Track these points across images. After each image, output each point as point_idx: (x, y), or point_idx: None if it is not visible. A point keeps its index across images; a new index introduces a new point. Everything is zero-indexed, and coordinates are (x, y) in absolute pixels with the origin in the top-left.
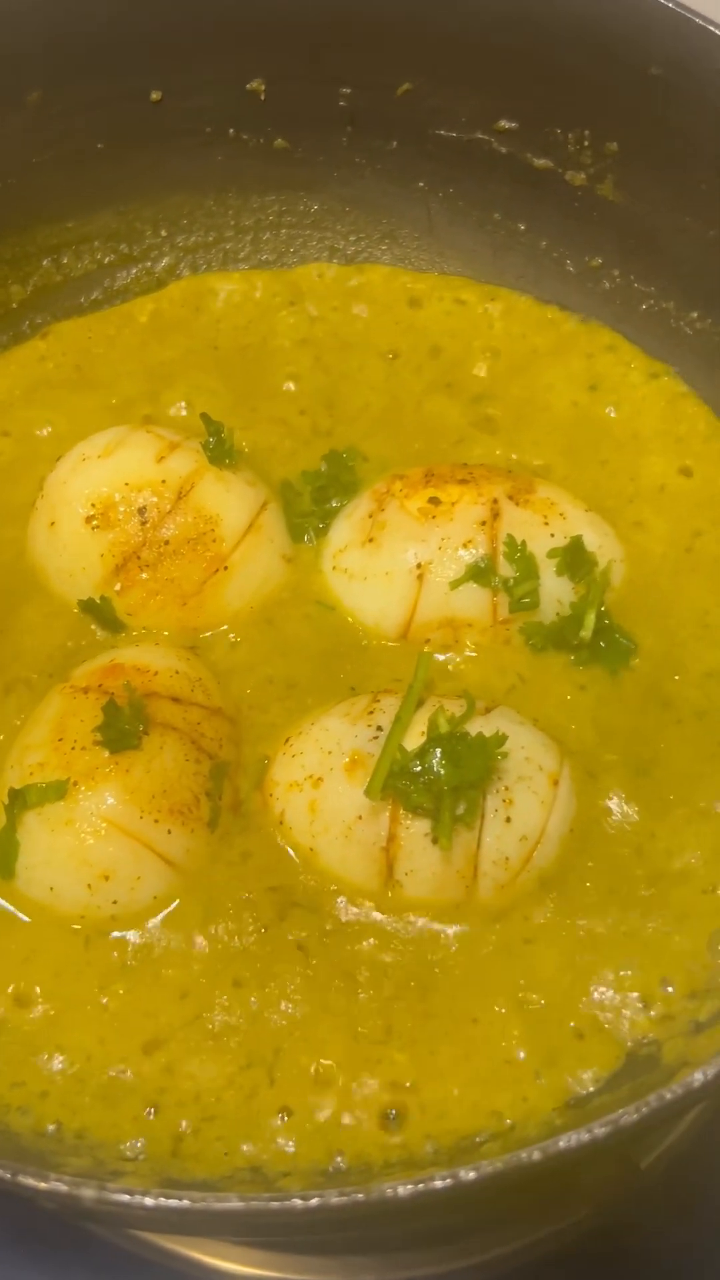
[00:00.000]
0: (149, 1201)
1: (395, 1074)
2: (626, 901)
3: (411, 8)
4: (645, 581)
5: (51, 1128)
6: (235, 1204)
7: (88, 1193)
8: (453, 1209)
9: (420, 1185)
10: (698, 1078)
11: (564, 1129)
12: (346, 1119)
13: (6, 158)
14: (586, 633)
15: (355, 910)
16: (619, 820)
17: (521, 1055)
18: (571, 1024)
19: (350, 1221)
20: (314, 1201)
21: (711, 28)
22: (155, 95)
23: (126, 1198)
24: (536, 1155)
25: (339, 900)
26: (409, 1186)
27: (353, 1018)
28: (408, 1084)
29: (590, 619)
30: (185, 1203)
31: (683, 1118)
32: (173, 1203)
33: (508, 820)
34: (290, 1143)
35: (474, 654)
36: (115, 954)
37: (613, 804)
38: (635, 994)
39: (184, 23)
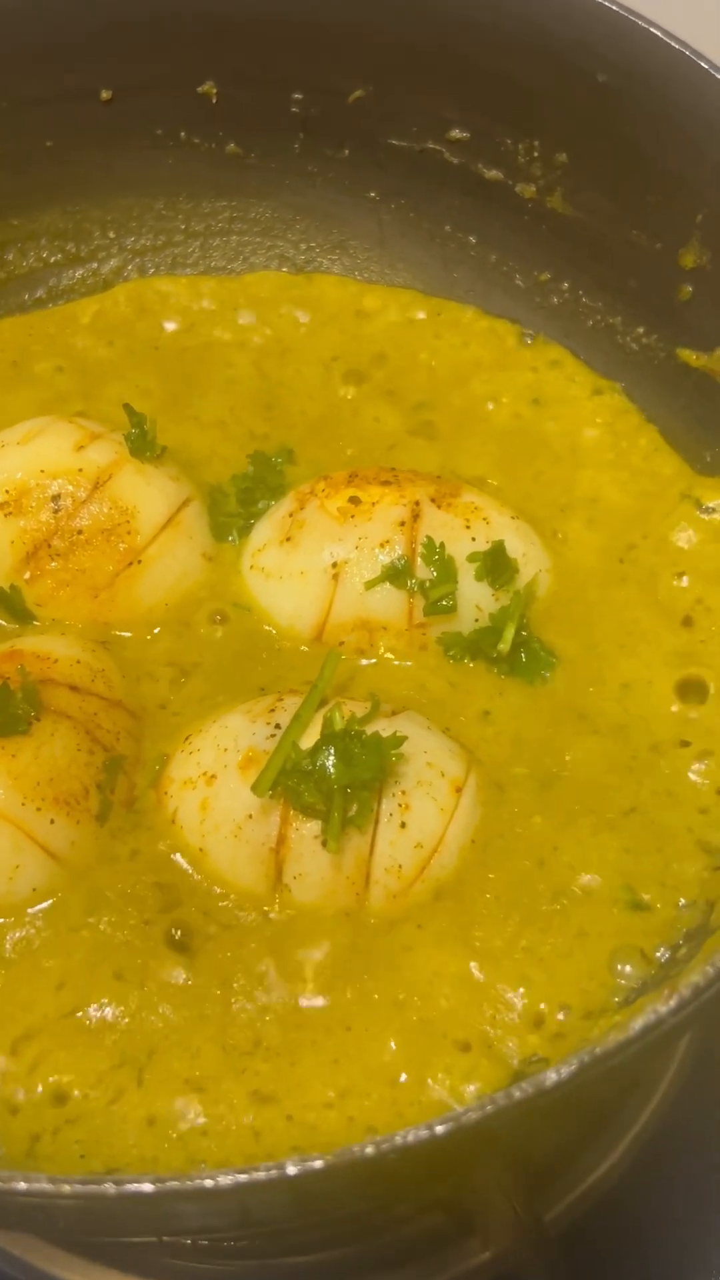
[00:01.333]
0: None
1: (260, 1084)
2: (527, 916)
3: (365, 13)
4: (571, 594)
5: None
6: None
7: None
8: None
9: (263, 1173)
10: (550, 1076)
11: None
12: (212, 1128)
13: None
14: (505, 645)
15: (241, 915)
16: (523, 833)
17: (400, 1073)
18: (457, 1038)
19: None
20: (140, 1187)
21: (655, 30)
22: (105, 94)
23: None
24: (369, 1150)
25: (224, 903)
26: (250, 1174)
27: (223, 1027)
28: (272, 1094)
29: (509, 632)
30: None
31: (589, 1174)
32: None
33: (403, 826)
34: (152, 1149)
35: (388, 658)
36: None
37: (518, 816)
38: (528, 1011)
39: (135, 20)
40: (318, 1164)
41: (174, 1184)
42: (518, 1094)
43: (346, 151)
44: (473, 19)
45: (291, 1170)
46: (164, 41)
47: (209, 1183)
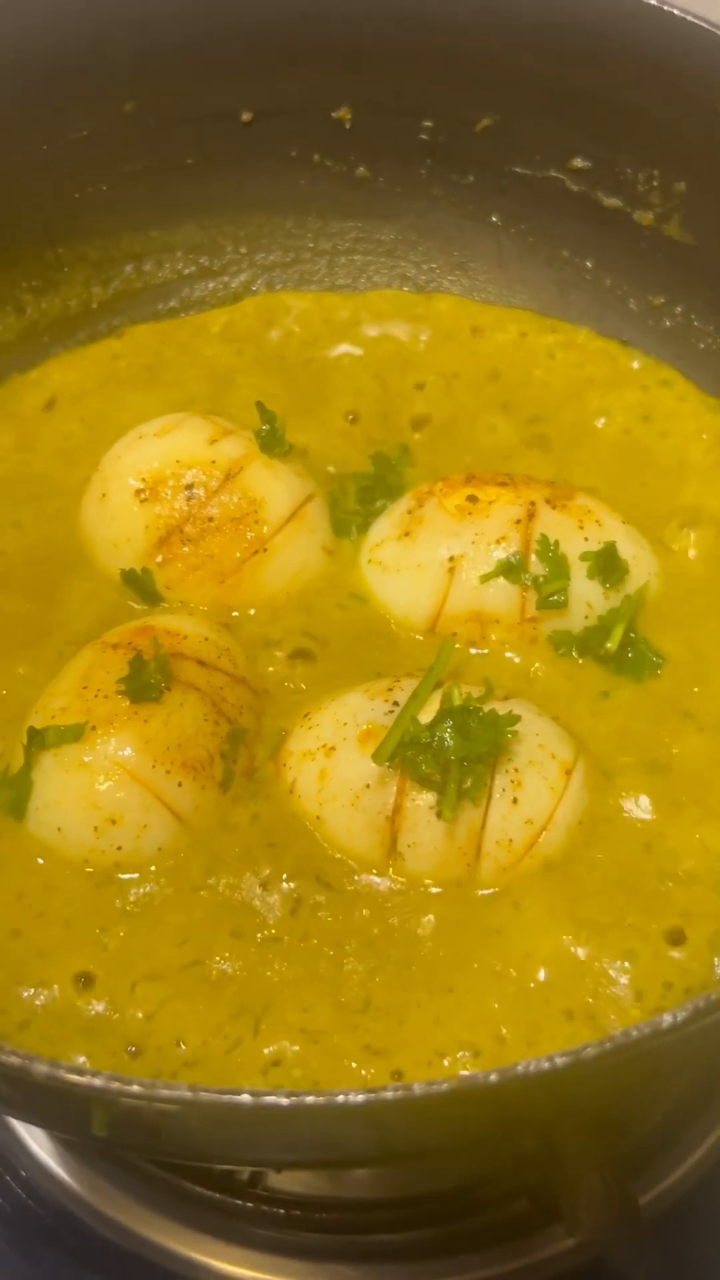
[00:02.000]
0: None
1: (370, 1039)
2: (631, 895)
3: (495, 46)
4: (678, 598)
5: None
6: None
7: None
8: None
9: (374, 1094)
10: (666, 1019)
11: None
12: (324, 1079)
13: (100, 164)
14: (613, 644)
15: (355, 880)
16: (630, 818)
17: (503, 1030)
18: (562, 1006)
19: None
20: (278, 1100)
21: None
22: (246, 116)
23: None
24: (494, 1078)
25: (340, 870)
26: (364, 1094)
27: (336, 985)
28: (382, 1048)
29: (618, 632)
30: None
31: (687, 1156)
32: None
33: (514, 801)
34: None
35: (499, 650)
36: (117, 900)
37: (625, 802)
38: (632, 986)
39: (277, 47)
40: (444, 1087)
41: (310, 1099)
42: (635, 1033)
43: (471, 178)
44: (598, 52)
45: (418, 1091)
46: (304, 68)
47: (343, 1098)
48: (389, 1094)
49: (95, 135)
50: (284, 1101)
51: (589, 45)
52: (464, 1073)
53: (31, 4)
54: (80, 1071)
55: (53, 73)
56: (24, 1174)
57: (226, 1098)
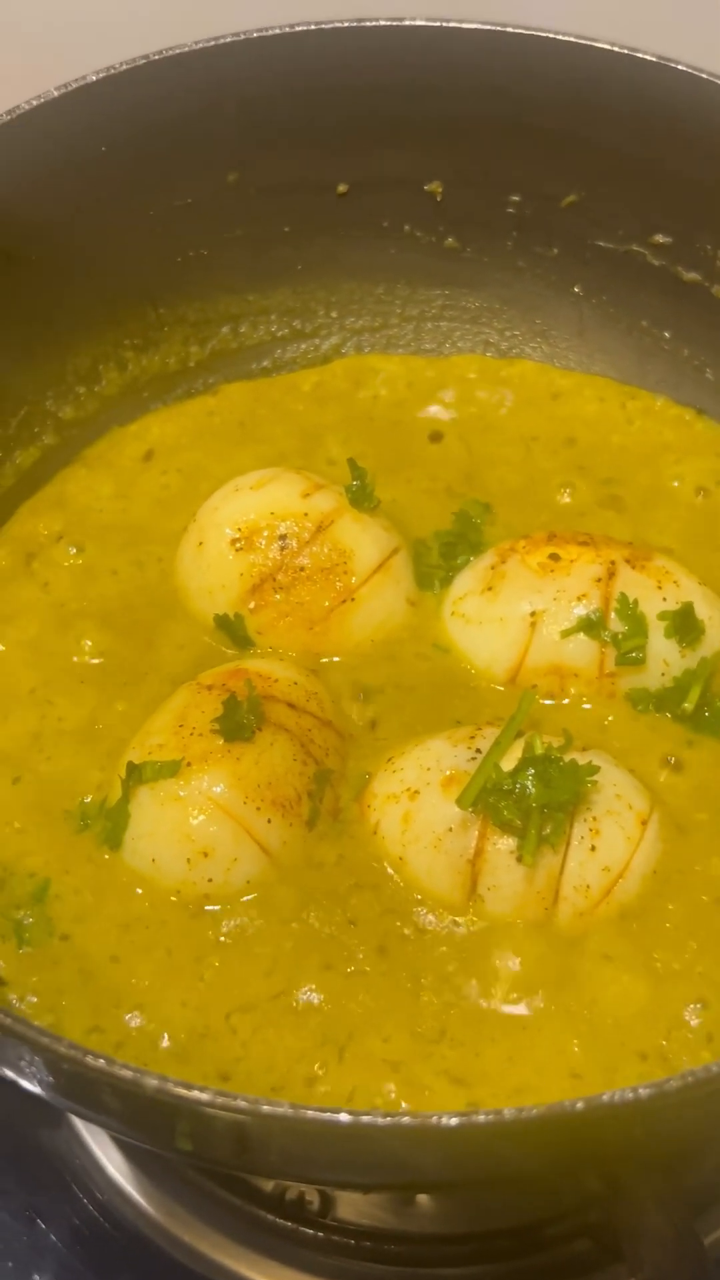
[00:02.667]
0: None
1: (447, 1067)
2: (704, 945)
3: (582, 124)
4: None
5: None
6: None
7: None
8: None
9: (467, 1118)
10: None
11: None
12: (403, 1105)
13: (203, 230)
14: (690, 705)
15: (434, 919)
16: (702, 871)
17: (579, 1069)
18: (636, 1048)
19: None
20: (375, 1119)
21: None
22: (342, 188)
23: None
24: (580, 1106)
25: (420, 909)
26: (457, 1117)
27: (413, 1016)
28: (460, 1077)
29: (695, 692)
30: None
31: None
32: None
33: (592, 849)
34: None
35: (578, 703)
36: (210, 931)
37: (698, 855)
38: (702, 1029)
39: (373, 124)
40: (534, 1113)
41: (406, 1120)
42: (715, 1068)
43: (555, 250)
44: (680, 133)
45: (508, 1116)
46: (399, 144)
47: (436, 1120)
48: (481, 1118)
49: (199, 203)
50: (380, 1121)
51: (671, 126)
52: (553, 1104)
53: (146, 80)
54: (189, 1086)
55: (163, 145)
56: (100, 1196)
57: (327, 1116)
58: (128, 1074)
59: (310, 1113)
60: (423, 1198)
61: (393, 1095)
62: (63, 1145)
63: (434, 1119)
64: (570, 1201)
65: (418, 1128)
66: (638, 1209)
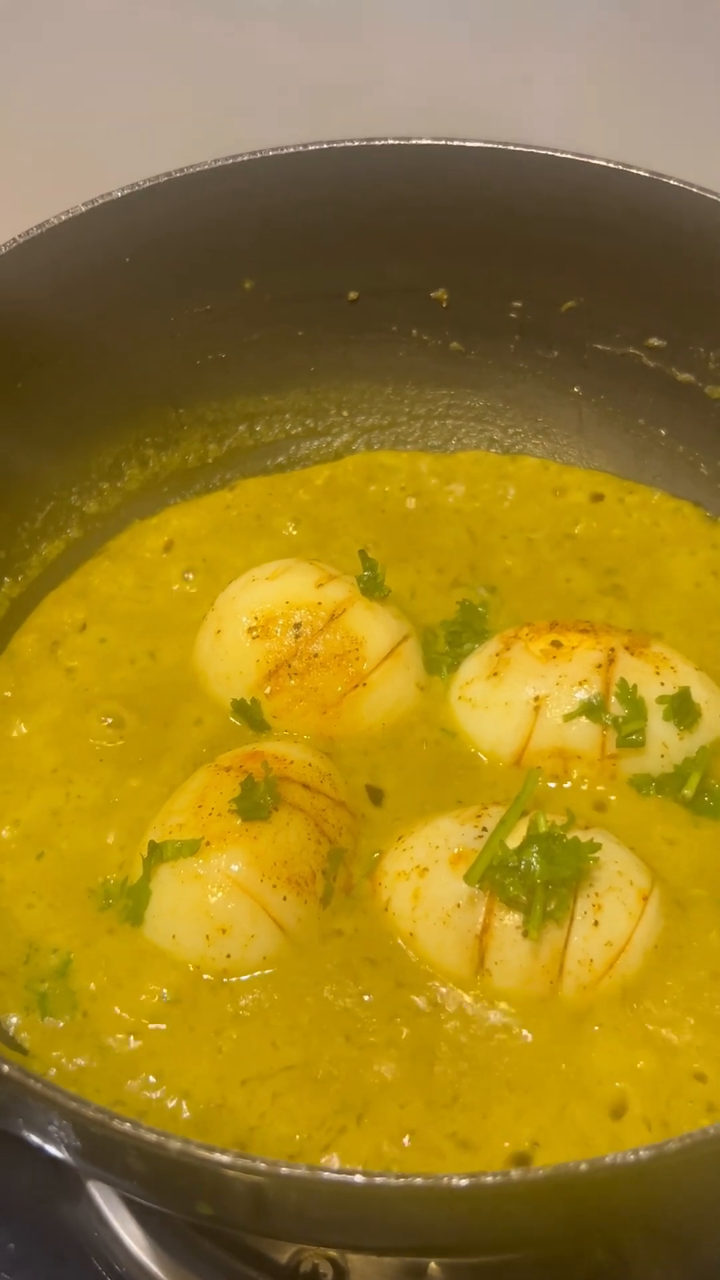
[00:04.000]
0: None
1: (455, 1129)
2: (703, 1019)
3: (581, 235)
4: None
5: None
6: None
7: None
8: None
9: (476, 1179)
10: None
11: None
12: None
13: (221, 335)
14: (689, 792)
15: (445, 993)
16: (700, 946)
17: (586, 1135)
18: (639, 1114)
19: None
20: (389, 1180)
21: None
22: (352, 295)
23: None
24: (584, 1167)
25: (431, 983)
26: (466, 1179)
27: (428, 1084)
28: (466, 1140)
29: (694, 780)
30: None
31: None
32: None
33: (595, 924)
34: None
35: (580, 784)
36: (229, 1005)
37: (696, 931)
38: (702, 1098)
39: (382, 236)
40: (540, 1174)
41: (419, 1181)
42: (713, 1130)
43: (555, 353)
44: (675, 243)
45: (515, 1176)
46: (406, 254)
47: (449, 1181)
48: (489, 1179)
49: (217, 310)
50: (394, 1182)
51: (666, 237)
52: (558, 1165)
53: (167, 196)
54: (210, 1149)
55: (183, 257)
56: (119, 1269)
57: (342, 1177)
58: (153, 1137)
59: (326, 1174)
60: (434, 1268)
61: (408, 1163)
62: (83, 1218)
63: (444, 1180)
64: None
65: (429, 1189)
66: None
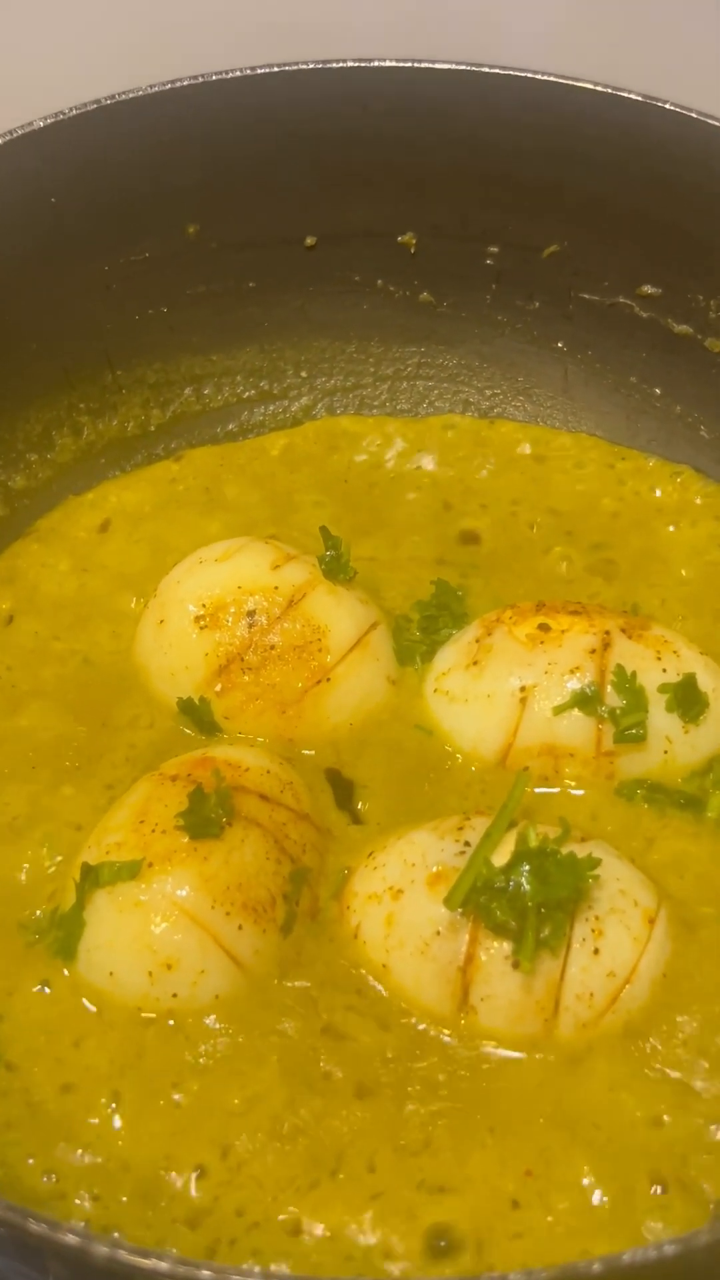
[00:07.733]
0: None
1: (424, 1176)
2: (716, 1061)
3: (563, 172)
4: None
5: (81, 1224)
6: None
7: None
8: None
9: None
10: None
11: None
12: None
13: (162, 286)
14: (714, 814)
15: (421, 1031)
16: (712, 972)
17: (596, 1195)
18: (646, 1169)
19: None
20: None
21: None
22: (310, 240)
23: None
24: (597, 1268)
25: (406, 1020)
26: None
27: (395, 1131)
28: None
29: (716, 801)
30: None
31: None
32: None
33: (595, 952)
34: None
35: (574, 787)
36: (186, 1053)
37: (707, 955)
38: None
39: (342, 173)
40: (543, 1276)
41: None
42: None
43: (537, 304)
44: (669, 178)
45: (513, 1278)
46: (370, 193)
47: None
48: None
49: (157, 258)
50: None
51: (660, 171)
52: (565, 1266)
53: (98, 126)
54: (145, 1254)
55: (117, 197)
56: None
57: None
58: (74, 1240)
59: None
60: None
61: (373, 1237)
62: None
63: None
64: None
65: None
66: None
